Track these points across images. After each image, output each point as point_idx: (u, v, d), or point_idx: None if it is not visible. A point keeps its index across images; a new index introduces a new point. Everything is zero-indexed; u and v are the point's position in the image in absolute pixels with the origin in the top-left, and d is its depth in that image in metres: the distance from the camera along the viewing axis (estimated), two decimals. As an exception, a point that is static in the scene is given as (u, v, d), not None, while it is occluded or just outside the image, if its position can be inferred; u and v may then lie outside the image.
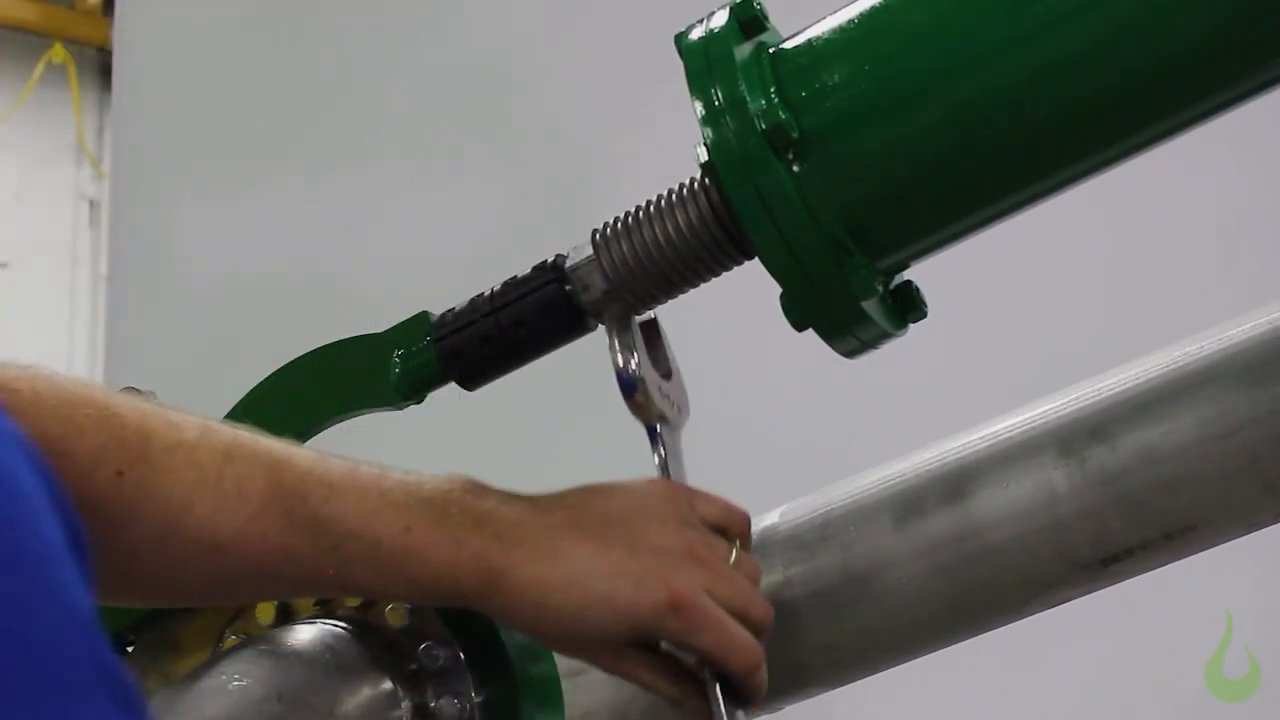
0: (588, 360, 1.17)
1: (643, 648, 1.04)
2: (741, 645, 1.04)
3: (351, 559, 1.01)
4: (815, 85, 1.03)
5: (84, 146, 9.42)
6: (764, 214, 1.02)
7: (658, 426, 1.12)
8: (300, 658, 1.11)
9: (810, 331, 1.07)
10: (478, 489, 1.04)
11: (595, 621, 1.02)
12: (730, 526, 1.10)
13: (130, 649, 1.21)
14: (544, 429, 2.40)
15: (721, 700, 1.05)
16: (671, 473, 1.12)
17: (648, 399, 1.10)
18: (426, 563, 1.01)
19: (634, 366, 1.09)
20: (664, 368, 1.13)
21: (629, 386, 1.09)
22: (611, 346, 1.10)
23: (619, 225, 1.10)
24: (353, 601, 1.15)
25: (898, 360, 1.22)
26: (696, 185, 1.07)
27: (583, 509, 1.05)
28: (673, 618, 1.02)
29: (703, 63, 1.04)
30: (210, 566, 1.00)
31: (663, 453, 1.12)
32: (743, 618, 1.05)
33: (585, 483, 1.08)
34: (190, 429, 1.00)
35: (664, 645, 1.06)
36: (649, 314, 1.13)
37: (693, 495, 1.09)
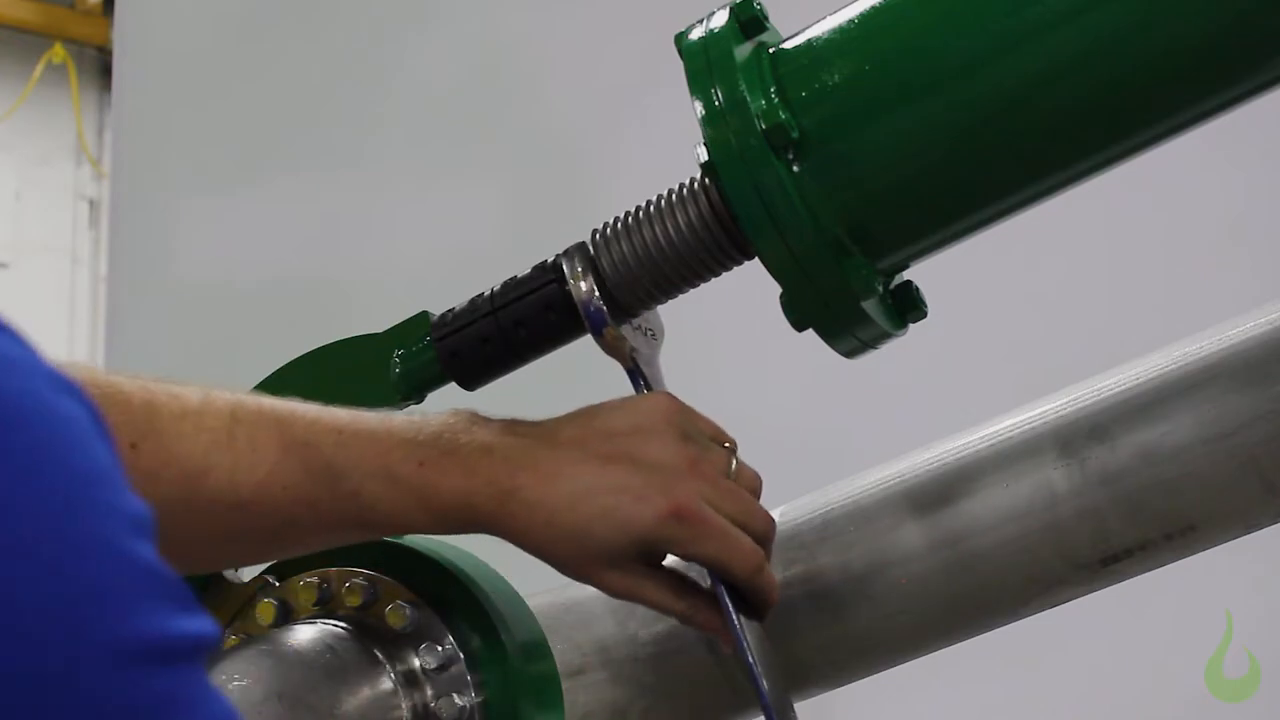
0: (588, 360, 1.17)
1: (649, 565, 1.07)
2: (743, 550, 1.06)
3: (371, 500, 1.04)
4: (815, 85, 1.03)
5: (84, 146, 9.42)
6: (764, 214, 1.02)
7: (635, 362, 1.12)
8: (300, 658, 1.11)
9: (810, 331, 1.07)
10: (482, 420, 1.07)
11: (600, 536, 1.04)
12: (726, 440, 1.12)
13: (130, 649, 1.21)
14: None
15: (733, 607, 1.07)
16: None
17: (618, 333, 1.10)
18: (442, 494, 1.04)
19: (597, 299, 1.09)
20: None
21: (597, 322, 1.10)
22: (574, 283, 1.10)
23: (618, 225, 1.10)
24: (353, 601, 1.15)
25: (898, 360, 1.22)
26: (696, 185, 1.07)
27: (587, 428, 1.07)
28: (675, 527, 1.04)
29: (703, 63, 1.04)
30: (235, 525, 1.04)
31: (643, 384, 1.12)
32: (744, 527, 1.07)
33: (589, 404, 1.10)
34: (192, 396, 1.04)
35: (669, 562, 1.08)
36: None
37: (691, 410, 1.11)
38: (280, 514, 1.04)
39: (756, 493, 1.11)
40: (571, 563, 1.06)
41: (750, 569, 1.07)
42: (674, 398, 1.11)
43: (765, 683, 1.06)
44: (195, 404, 1.04)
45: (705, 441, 1.09)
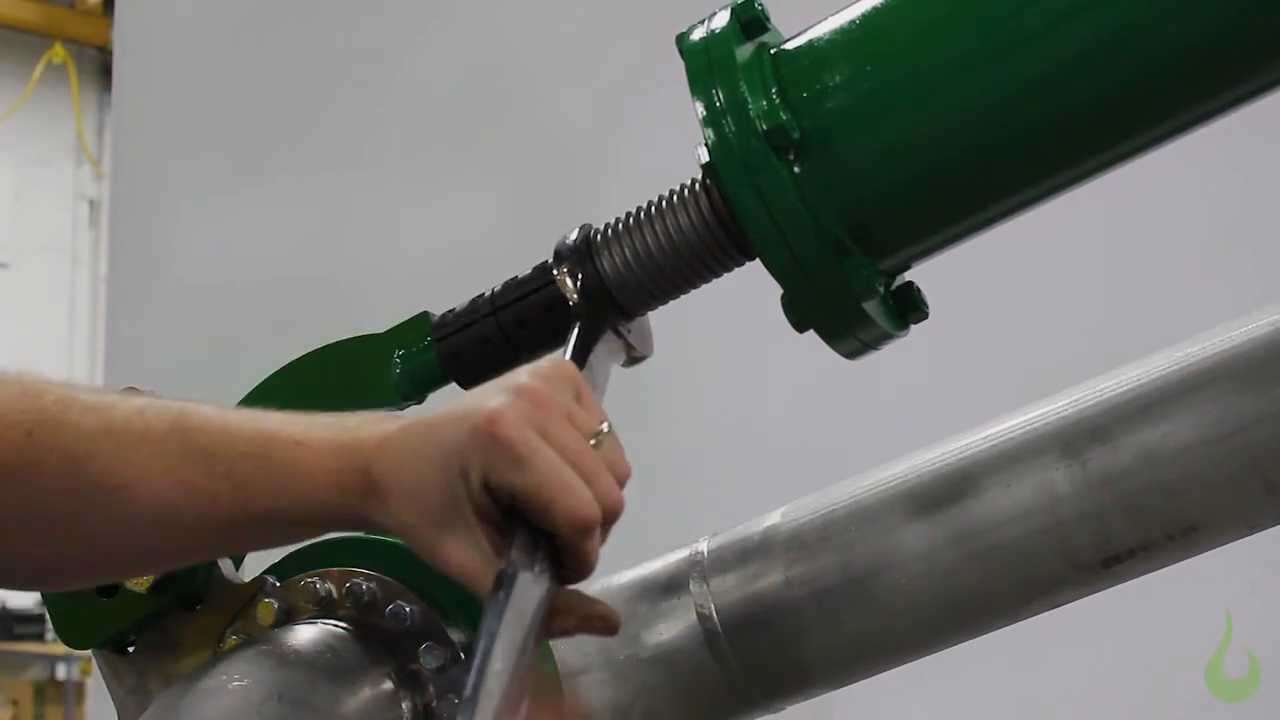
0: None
1: (492, 538, 0.96)
2: (573, 494, 0.94)
3: (244, 480, 1.00)
4: (816, 86, 1.03)
5: (84, 146, 9.43)
6: (765, 214, 1.02)
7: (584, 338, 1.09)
8: (301, 658, 1.11)
9: (812, 332, 1.07)
10: (382, 415, 1.03)
11: (432, 480, 0.96)
12: (604, 420, 1.01)
13: (131, 649, 1.21)
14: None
15: (524, 550, 0.94)
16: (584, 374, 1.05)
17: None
18: (313, 473, 0.99)
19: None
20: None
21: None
22: (561, 283, 1.09)
23: (619, 226, 1.10)
24: (353, 601, 1.15)
25: (899, 361, 1.22)
26: (697, 186, 1.07)
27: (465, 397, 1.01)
28: (490, 446, 0.94)
29: (704, 64, 1.04)
30: (115, 511, 1.01)
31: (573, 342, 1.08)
32: (586, 481, 0.96)
33: None
34: (116, 397, 1.03)
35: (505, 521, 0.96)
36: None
37: (585, 386, 1.01)
38: (160, 500, 1.00)
39: (619, 475, 0.99)
40: (418, 529, 0.98)
41: (575, 519, 0.94)
42: (567, 363, 1.03)
43: (497, 661, 0.90)
44: (111, 400, 1.02)
45: (576, 402, 0.99)
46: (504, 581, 0.93)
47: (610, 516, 0.97)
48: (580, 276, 1.09)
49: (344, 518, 1.01)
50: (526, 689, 0.91)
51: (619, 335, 1.10)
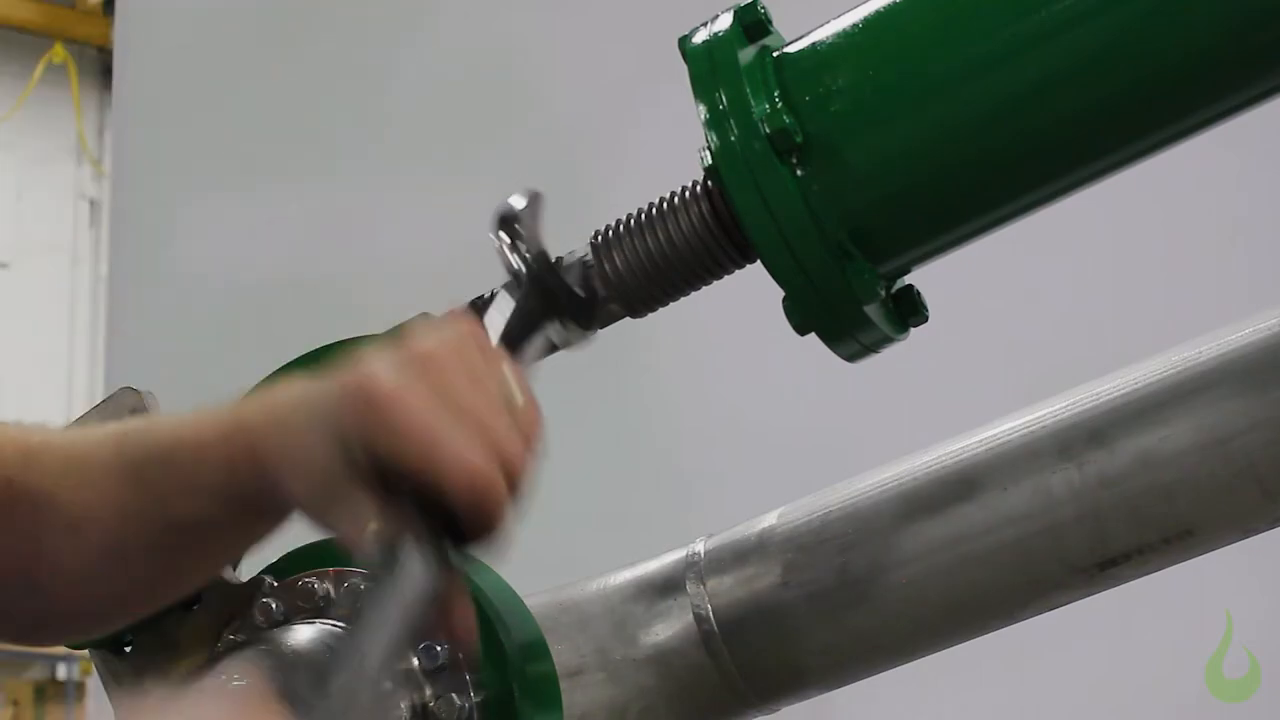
0: (588, 362, 1.17)
1: (367, 502, 0.87)
2: (455, 446, 0.84)
3: (157, 489, 0.96)
4: (819, 90, 1.03)
5: (84, 146, 9.43)
6: (767, 218, 1.02)
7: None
8: (299, 658, 1.11)
9: (812, 334, 1.07)
10: (268, 389, 0.98)
11: (311, 444, 0.88)
12: (524, 388, 0.91)
13: (128, 649, 1.21)
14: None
15: (414, 521, 0.84)
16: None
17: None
18: (206, 462, 0.93)
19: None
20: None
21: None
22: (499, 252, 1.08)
23: (620, 228, 1.10)
24: (352, 601, 1.15)
25: (898, 363, 1.22)
26: (699, 189, 1.07)
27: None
28: (364, 409, 0.85)
29: (706, 66, 1.04)
30: (74, 549, 1.00)
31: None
32: (476, 431, 0.86)
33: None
34: (96, 432, 1.02)
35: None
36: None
37: (493, 350, 0.92)
38: (104, 530, 0.99)
39: (525, 429, 0.89)
40: (306, 502, 0.89)
41: (459, 475, 0.84)
42: (476, 326, 0.96)
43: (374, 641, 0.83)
44: (73, 437, 1.02)
45: (478, 357, 0.89)
46: (385, 560, 0.83)
47: (510, 470, 0.87)
48: (522, 244, 1.07)
49: (248, 502, 0.94)
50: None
51: (562, 318, 1.07)
